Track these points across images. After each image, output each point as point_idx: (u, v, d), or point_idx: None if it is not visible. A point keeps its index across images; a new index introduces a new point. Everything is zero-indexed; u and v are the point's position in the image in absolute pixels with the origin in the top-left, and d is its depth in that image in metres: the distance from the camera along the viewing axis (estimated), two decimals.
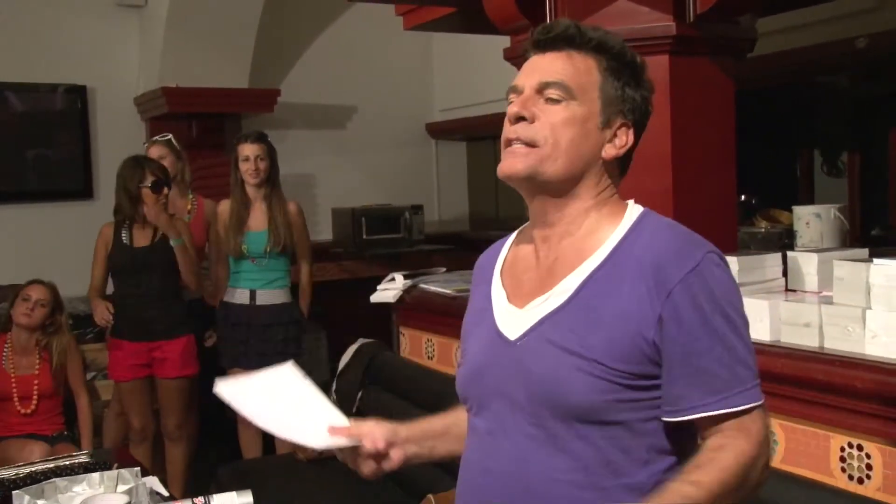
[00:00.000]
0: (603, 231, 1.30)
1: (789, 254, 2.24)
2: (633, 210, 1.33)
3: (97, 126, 5.28)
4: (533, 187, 1.31)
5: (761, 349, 2.03)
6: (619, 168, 1.34)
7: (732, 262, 2.17)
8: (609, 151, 1.30)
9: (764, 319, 2.07)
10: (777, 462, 1.96)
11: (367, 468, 1.38)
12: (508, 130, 1.30)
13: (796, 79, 4.42)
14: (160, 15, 5.04)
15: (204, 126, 5.37)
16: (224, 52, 5.17)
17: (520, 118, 1.29)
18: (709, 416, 1.20)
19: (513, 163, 1.29)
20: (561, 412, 1.23)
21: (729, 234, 2.59)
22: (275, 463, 3.69)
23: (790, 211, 3.16)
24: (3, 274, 4.57)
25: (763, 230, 3.56)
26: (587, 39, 1.31)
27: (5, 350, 3.48)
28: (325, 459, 3.51)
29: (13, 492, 1.75)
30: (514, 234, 1.47)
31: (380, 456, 1.38)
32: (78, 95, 5.19)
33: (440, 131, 6.17)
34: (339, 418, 1.37)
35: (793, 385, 1.92)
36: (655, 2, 2.37)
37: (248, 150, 3.76)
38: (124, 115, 5.35)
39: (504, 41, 2.79)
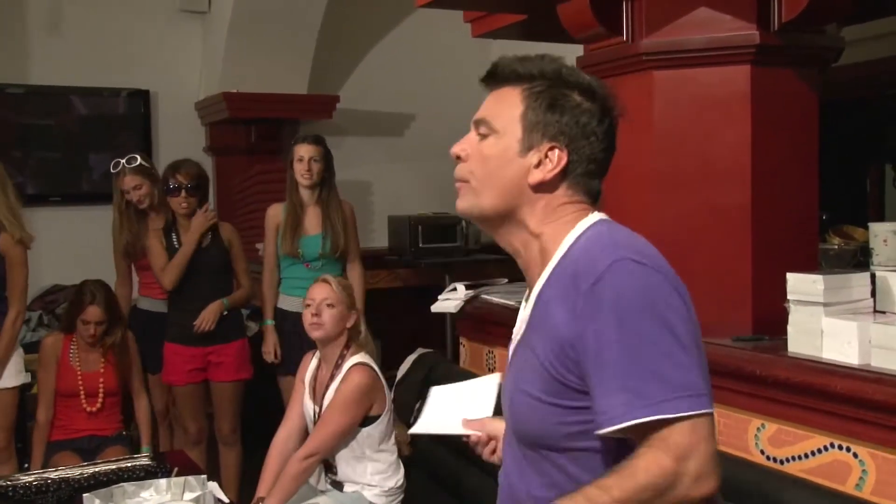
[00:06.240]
0: (552, 253, 1.32)
1: (878, 273, 2.14)
2: (584, 224, 1.32)
3: (159, 130, 5.35)
4: (482, 223, 1.39)
5: (849, 373, 1.95)
6: (572, 188, 1.33)
7: (817, 280, 2.09)
8: (535, 176, 1.32)
9: (852, 342, 1.98)
10: (867, 493, 1.87)
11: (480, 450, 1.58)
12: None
13: (866, 92, 4.29)
14: (223, 21, 5.10)
15: (263, 132, 5.41)
16: (285, 59, 5.20)
17: (458, 157, 1.38)
18: (629, 427, 1.16)
19: (457, 203, 1.39)
20: (525, 440, 1.32)
21: (810, 253, 2.50)
22: None
23: (863, 227, 3.05)
24: (68, 274, 4.65)
25: (836, 247, 3.44)
26: (510, 73, 1.36)
27: (72, 348, 3.52)
28: None
29: (84, 494, 1.75)
30: None
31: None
32: (141, 99, 5.27)
33: None
34: (483, 412, 1.55)
35: (885, 412, 1.83)
36: (738, 9, 2.29)
37: (303, 150, 3.74)
38: (185, 120, 5.43)
39: (570, 49, 2.74)
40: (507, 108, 1.35)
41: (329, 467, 2.79)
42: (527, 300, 1.37)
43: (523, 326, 1.35)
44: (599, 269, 1.20)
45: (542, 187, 1.32)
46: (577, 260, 1.26)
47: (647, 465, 1.16)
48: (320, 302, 2.77)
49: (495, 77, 1.38)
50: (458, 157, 1.38)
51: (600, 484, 1.18)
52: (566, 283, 1.24)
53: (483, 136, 1.36)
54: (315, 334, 2.80)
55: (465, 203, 1.38)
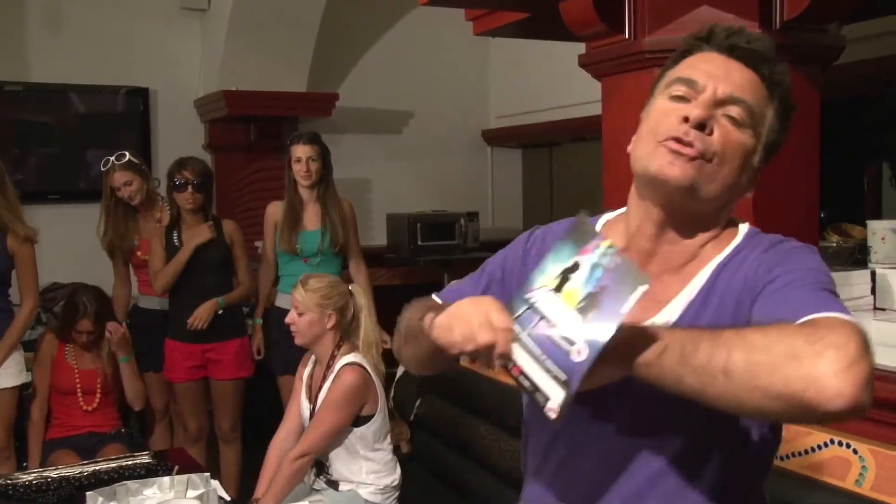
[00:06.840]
0: (710, 256, 1.23)
1: (878, 270, 2.15)
2: (741, 230, 1.28)
3: (158, 128, 5.34)
4: (676, 200, 1.18)
5: None
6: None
7: None
8: (750, 193, 1.24)
9: None
10: (866, 489, 1.88)
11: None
12: (680, 129, 1.15)
13: (863, 90, 4.30)
14: (223, 19, 5.09)
15: (262, 129, 5.40)
16: (284, 56, 5.20)
17: (700, 125, 1.15)
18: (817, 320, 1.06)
19: (675, 167, 1.15)
20: (682, 432, 1.19)
21: None
22: None
23: (860, 225, 3.06)
24: (66, 272, 4.65)
25: (834, 244, 3.45)
26: (776, 70, 1.20)
27: (67, 347, 3.52)
28: None
29: (87, 493, 1.74)
30: (598, 228, 1.34)
31: None
32: (140, 97, 5.26)
33: (496, 138, 6.14)
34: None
35: (885, 409, 1.83)
36: (740, 8, 2.29)
37: (301, 151, 3.74)
38: (185, 118, 5.42)
39: (571, 47, 2.74)
40: (762, 104, 1.20)
41: (322, 467, 2.79)
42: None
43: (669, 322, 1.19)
44: (790, 241, 1.20)
45: (739, 201, 1.25)
46: (751, 249, 1.20)
47: (791, 327, 1.01)
48: (293, 310, 2.81)
49: (754, 56, 1.19)
50: (703, 127, 1.15)
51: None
52: (745, 266, 1.18)
53: (735, 122, 1.17)
54: (296, 341, 2.86)
55: (690, 174, 1.15)
